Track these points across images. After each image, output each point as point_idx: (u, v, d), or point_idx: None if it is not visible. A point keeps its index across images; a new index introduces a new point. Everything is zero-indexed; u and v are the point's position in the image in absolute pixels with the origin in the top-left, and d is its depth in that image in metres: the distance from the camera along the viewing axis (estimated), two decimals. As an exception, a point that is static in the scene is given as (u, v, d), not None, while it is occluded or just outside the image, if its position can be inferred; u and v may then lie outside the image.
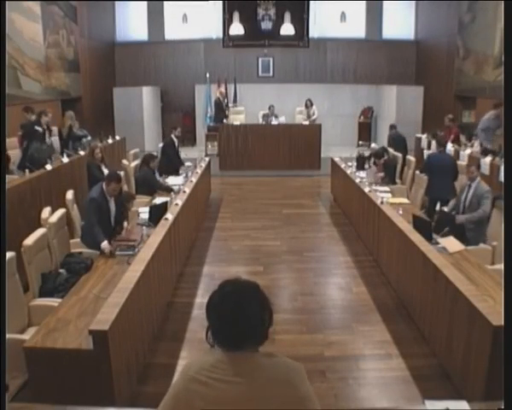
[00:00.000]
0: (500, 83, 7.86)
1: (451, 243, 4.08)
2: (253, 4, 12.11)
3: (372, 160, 7.16)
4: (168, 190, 6.15)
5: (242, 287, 1.45)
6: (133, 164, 6.93)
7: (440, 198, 5.61)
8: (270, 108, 10.74)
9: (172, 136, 7.97)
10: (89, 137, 8.02)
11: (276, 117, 10.74)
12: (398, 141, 8.32)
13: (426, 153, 7.54)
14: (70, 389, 2.54)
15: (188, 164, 7.91)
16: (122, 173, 6.14)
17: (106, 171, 5.78)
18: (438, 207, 5.60)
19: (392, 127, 8.81)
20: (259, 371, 1.38)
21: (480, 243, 4.43)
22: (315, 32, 12.41)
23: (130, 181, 6.55)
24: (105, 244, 3.93)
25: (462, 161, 6.82)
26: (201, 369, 1.39)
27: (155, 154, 6.97)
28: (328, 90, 12.41)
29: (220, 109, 11.23)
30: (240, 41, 12.23)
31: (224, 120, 10.98)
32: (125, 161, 7.32)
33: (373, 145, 8.16)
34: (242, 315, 1.39)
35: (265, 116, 10.78)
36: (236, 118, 11.62)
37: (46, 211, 4.24)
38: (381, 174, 6.66)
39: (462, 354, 2.97)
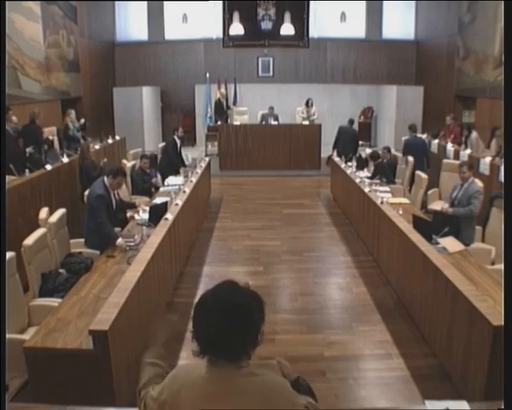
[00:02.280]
0: (500, 83, 7.85)
1: (451, 243, 4.07)
2: (253, 4, 12.11)
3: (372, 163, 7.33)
4: (147, 193, 6.32)
5: (237, 300, 1.37)
6: (129, 164, 6.94)
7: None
8: (269, 109, 10.72)
9: (175, 136, 7.97)
10: (81, 141, 7.94)
11: (276, 118, 10.72)
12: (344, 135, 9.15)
13: (403, 139, 8.32)
14: (70, 389, 2.54)
15: (187, 162, 7.93)
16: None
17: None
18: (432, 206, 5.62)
19: (350, 121, 9.52)
20: (241, 394, 1.32)
21: (468, 241, 4.42)
22: (315, 32, 12.41)
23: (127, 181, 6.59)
24: (120, 241, 4.04)
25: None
26: (184, 387, 1.37)
27: (149, 154, 7.04)
28: (328, 90, 12.40)
29: (221, 110, 11.22)
30: (240, 41, 12.22)
31: (219, 122, 10.97)
32: (124, 161, 7.33)
33: (367, 150, 8.29)
34: (232, 327, 1.34)
35: (264, 116, 10.77)
36: (239, 118, 11.61)
37: (44, 211, 4.24)
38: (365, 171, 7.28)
39: (462, 354, 2.97)
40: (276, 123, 10.62)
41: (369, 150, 8.22)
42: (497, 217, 4.50)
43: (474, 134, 7.65)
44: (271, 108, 10.73)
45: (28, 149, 6.41)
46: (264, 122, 10.69)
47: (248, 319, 1.36)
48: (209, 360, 1.37)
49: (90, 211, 4.36)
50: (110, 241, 4.09)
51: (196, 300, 1.46)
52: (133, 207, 5.14)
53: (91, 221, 4.32)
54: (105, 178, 4.45)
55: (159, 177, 6.95)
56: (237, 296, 1.38)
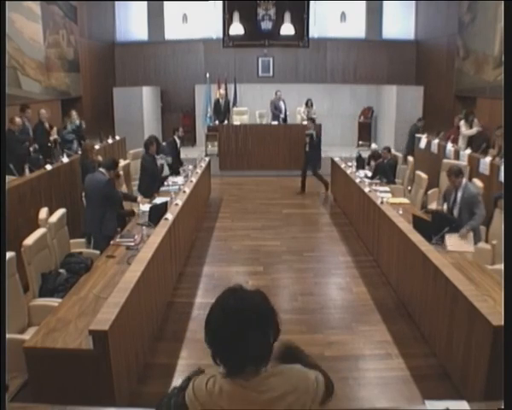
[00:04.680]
0: (500, 83, 7.85)
1: (455, 243, 4.06)
2: (253, 4, 12.10)
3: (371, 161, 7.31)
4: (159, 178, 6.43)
5: (246, 305, 1.33)
6: (123, 163, 6.86)
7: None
8: (276, 93, 10.77)
9: (175, 136, 7.96)
10: (74, 146, 7.76)
11: (283, 102, 10.84)
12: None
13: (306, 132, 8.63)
14: (70, 389, 2.54)
15: (188, 168, 7.65)
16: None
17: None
18: (433, 206, 5.60)
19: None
20: (264, 396, 1.31)
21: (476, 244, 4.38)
22: (315, 32, 12.40)
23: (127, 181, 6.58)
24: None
25: (462, 162, 6.82)
26: (207, 403, 1.33)
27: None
28: (328, 90, 12.40)
29: (218, 111, 11.22)
30: (240, 41, 12.22)
31: (217, 122, 11.00)
32: (122, 161, 7.30)
33: (373, 146, 8.25)
34: (245, 340, 1.30)
35: (273, 103, 10.83)
36: (239, 118, 11.60)
37: (43, 211, 4.24)
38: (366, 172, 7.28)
39: (462, 354, 2.97)
40: (282, 108, 10.71)
41: (374, 145, 8.22)
42: (500, 217, 4.48)
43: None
44: (279, 92, 10.76)
45: (32, 149, 6.46)
46: (276, 105, 10.74)
47: (270, 320, 1.38)
48: (228, 370, 1.34)
49: (104, 200, 4.60)
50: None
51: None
52: (134, 200, 5.26)
53: (107, 210, 4.60)
54: (103, 170, 4.68)
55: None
56: (253, 300, 1.36)
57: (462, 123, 7.88)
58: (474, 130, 7.61)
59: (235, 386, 1.32)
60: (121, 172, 5.45)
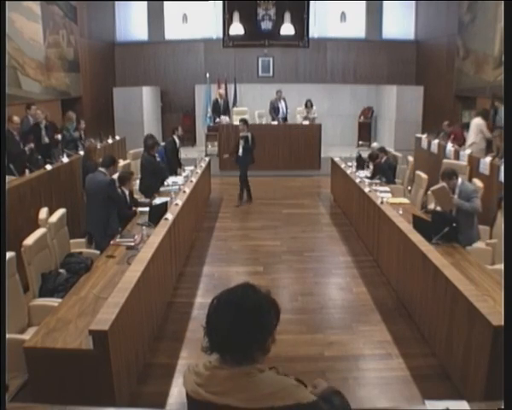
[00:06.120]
0: (500, 83, 7.85)
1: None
2: (253, 4, 12.10)
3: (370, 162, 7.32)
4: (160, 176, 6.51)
5: (236, 303, 1.37)
6: (122, 163, 6.83)
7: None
8: (277, 93, 10.74)
9: (174, 136, 7.96)
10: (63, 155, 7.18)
11: (285, 101, 10.84)
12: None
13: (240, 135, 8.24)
14: (70, 389, 2.54)
15: (186, 173, 7.35)
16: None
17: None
18: (432, 206, 5.58)
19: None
20: (241, 393, 1.33)
21: (468, 241, 4.35)
22: (315, 32, 12.41)
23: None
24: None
25: (462, 162, 6.82)
26: (195, 383, 1.40)
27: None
28: (328, 90, 12.40)
29: (217, 111, 11.21)
30: (240, 41, 12.22)
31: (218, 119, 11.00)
32: (121, 161, 7.30)
33: (374, 144, 8.22)
34: (226, 331, 1.35)
35: (272, 103, 10.83)
36: (239, 118, 11.57)
37: (43, 211, 4.24)
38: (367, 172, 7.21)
39: (462, 354, 2.97)
40: (284, 108, 10.69)
41: (375, 144, 8.19)
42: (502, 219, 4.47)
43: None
44: (279, 92, 10.71)
45: (27, 148, 6.42)
46: (275, 106, 10.73)
47: (258, 322, 1.36)
48: (217, 359, 1.40)
49: (108, 200, 4.60)
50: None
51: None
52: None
53: (110, 209, 4.61)
54: (103, 169, 4.70)
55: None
56: (251, 298, 1.38)
57: (480, 121, 7.51)
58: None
59: (219, 366, 1.38)
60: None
